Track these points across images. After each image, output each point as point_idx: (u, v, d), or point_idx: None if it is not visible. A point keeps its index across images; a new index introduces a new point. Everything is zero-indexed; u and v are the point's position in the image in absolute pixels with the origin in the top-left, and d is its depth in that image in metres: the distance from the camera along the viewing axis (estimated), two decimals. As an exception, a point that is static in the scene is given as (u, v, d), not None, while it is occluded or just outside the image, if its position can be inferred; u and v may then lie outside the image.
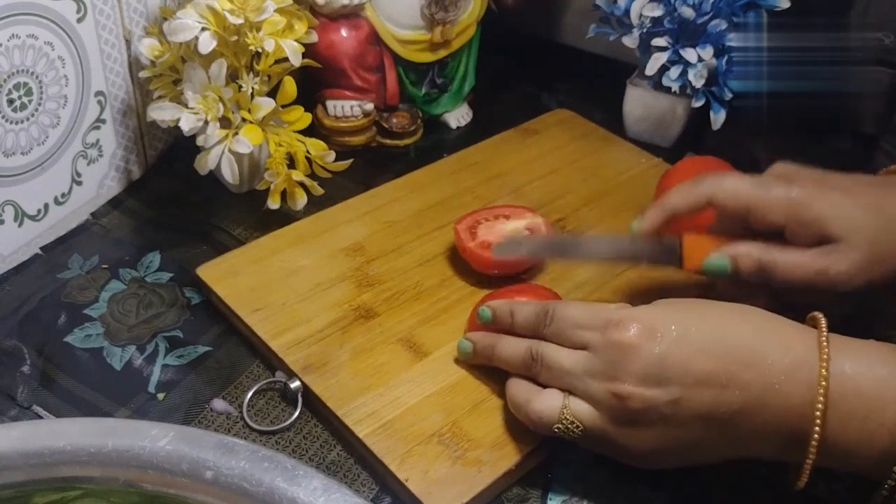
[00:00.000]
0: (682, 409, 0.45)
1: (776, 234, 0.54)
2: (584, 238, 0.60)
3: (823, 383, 0.43)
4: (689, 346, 0.46)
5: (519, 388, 0.51)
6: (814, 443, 0.44)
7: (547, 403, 0.49)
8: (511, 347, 0.52)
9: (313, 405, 0.55)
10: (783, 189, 0.53)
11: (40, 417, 0.54)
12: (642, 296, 0.62)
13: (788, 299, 0.54)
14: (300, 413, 0.54)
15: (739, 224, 0.55)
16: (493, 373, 0.55)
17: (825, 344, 0.44)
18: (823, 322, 0.46)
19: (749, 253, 0.53)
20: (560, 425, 0.48)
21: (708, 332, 0.46)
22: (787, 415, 0.44)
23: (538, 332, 0.51)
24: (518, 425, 0.52)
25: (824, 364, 0.44)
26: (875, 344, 0.46)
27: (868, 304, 0.55)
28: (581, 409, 0.48)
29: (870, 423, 0.43)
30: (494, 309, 0.54)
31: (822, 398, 0.43)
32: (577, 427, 0.48)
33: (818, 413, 0.43)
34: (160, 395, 0.56)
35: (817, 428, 0.43)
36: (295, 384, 0.55)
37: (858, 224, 0.51)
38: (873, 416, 0.43)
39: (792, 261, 0.52)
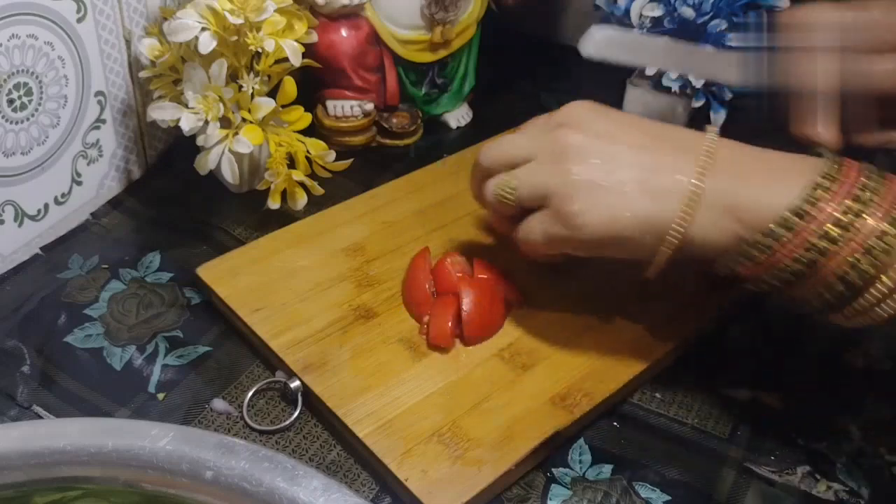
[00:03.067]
0: (615, 141, 0.51)
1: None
2: (656, 43, 0.63)
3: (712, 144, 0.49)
4: (613, 120, 0.53)
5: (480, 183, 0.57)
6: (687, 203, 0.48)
7: (492, 181, 0.55)
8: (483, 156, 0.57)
9: (313, 405, 0.55)
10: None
11: (40, 417, 0.54)
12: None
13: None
14: (300, 413, 0.55)
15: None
16: (493, 372, 0.56)
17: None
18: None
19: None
20: (498, 191, 0.54)
21: (633, 116, 0.54)
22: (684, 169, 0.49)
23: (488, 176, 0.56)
24: (518, 425, 0.52)
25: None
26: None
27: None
28: (517, 173, 0.53)
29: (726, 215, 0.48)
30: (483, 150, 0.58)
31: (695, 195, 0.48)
32: (511, 189, 0.53)
33: (699, 171, 0.49)
34: (160, 395, 0.56)
35: (695, 183, 0.48)
36: (295, 384, 0.55)
37: None
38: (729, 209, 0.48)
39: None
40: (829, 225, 0.46)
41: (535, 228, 0.53)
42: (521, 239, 0.54)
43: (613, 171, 0.50)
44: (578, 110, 0.54)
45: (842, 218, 0.46)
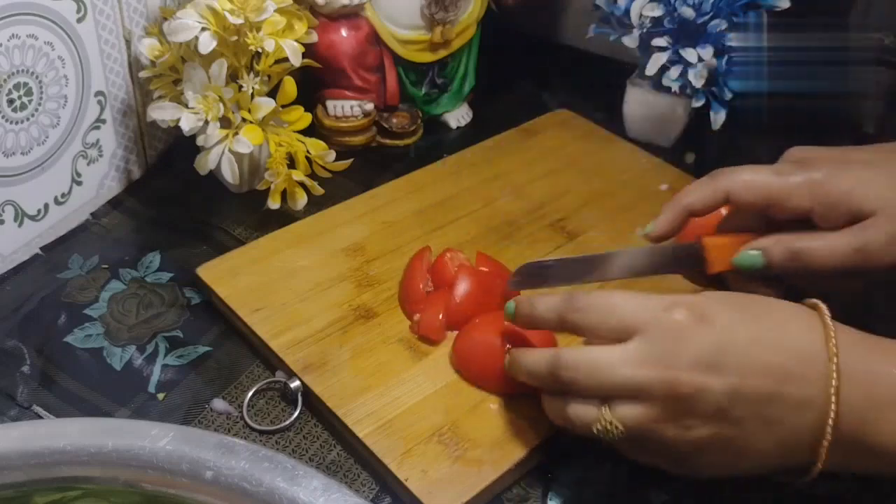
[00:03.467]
0: (739, 400, 0.42)
1: (799, 223, 0.52)
2: (598, 257, 0.55)
3: (834, 381, 0.42)
4: (746, 335, 0.43)
5: (550, 401, 0.48)
6: (823, 451, 0.43)
7: (584, 410, 0.45)
8: (533, 356, 0.48)
9: (313, 405, 0.55)
10: (803, 173, 0.51)
11: (40, 417, 0.54)
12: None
13: (809, 286, 0.52)
14: (300, 413, 0.54)
15: (758, 217, 0.53)
16: (493, 373, 0.56)
17: (833, 338, 0.43)
18: (825, 311, 0.44)
19: (779, 242, 0.51)
20: (599, 427, 0.44)
21: (763, 323, 0.44)
22: (814, 422, 0.43)
23: (565, 323, 0.47)
24: (518, 425, 0.52)
25: (834, 359, 0.42)
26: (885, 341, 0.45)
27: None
28: (625, 410, 0.43)
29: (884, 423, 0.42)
30: (517, 306, 0.50)
31: (833, 397, 0.42)
32: (618, 428, 0.43)
33: (832, 412, 0.42)
34: (160, 395, 0.56)
35: (830, 422, 0.42)
36: (295, 384, 0.55)
37: (888, 194, 0.49)
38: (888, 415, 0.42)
39: (826, 244, 0.50)
40: None
41: (637, 454, 0.47)
42: (618, 447, 0.47)
43: (744, 425, 0.43)
44: (686, 335, 0.43)
45: None
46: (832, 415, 0.42)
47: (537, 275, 0.55)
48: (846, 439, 0.42)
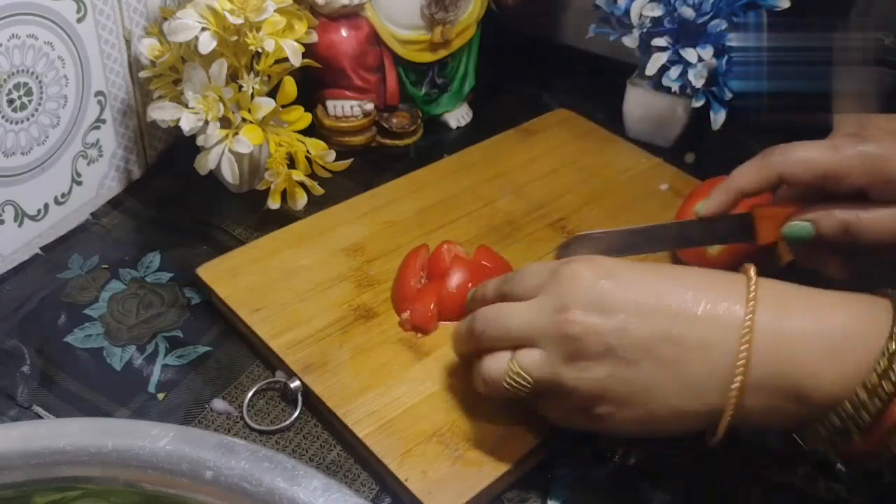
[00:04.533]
0: (628, 337, 0.44)
1: (855, 198, 0.51)
2: (650, 228, 0.56)
3: (747, 333, 0.42)
4: (634, 282, 0.45)
5: (476, 367, 0.50)
6: (732, 395, 0.43)
7: (493, 361, 0.48)
8: (460, 326, 0.52)
9: (313, 405, 0.55)
10: (859, 147, 0.49)
11: (40, 417, 0.54)
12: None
13: (865, 267, 0.53)
14: (300, 413, 0.54)
15: (813, 195, 0.52)
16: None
17: (752, 292, 0.43)
18: (752, 271, 0.45)
19: (830, 213, 0.51)
20: (507, 379, 0.47)
21: (653, 272, 0.46)
22: (720, 363, 0.43)
23: (498, 290, 0.51)
24: (518, 425, 0.52)
25: (750, 314, 0.43)
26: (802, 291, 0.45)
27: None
28: (527, 358, 0.46)
29: (789, 378, 0.42)
30: (473, 294, 0.55)
31: (745, 348, 0.42)
32: (526, 380, 0.46)
33: (741, 363, 0.42)
34: (160, 395, 0.56)
35: (738, 378, 0.42)
36: (295, 384, 0.55)
37: None
38: (794, 370, 0.42)
39: (878, 217, 0.49)
40: None
41: (554, 412, 0.49)
42: (540, 412, 0.49)
43: (640, 365, 0.44)
44: (580, 283, 0.45)
45: None
46: (741, 357, 0.42)
47: (588, 247, 0.56)
48: (759, 382, 0.42)
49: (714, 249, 0.61)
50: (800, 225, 0.52)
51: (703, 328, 0.43)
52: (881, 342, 0.41)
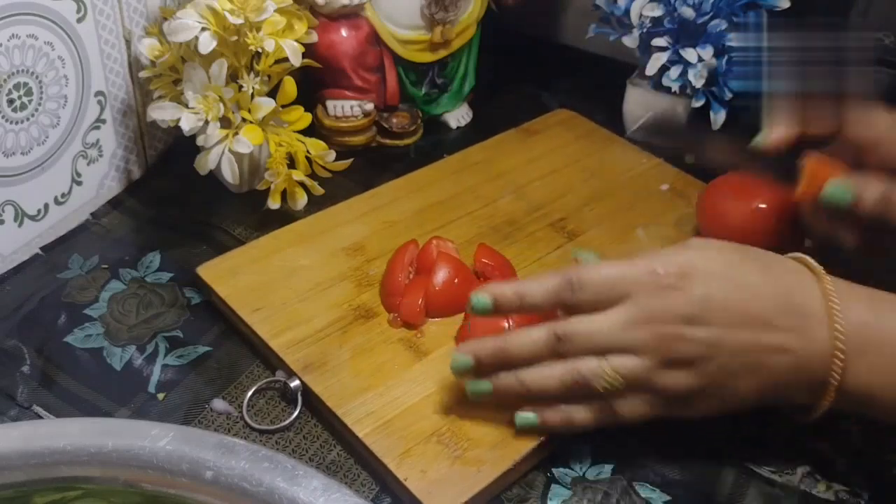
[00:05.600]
0: (723, 348, 0.47)
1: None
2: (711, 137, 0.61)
3: (840, 333, 0.46)
4: (729, 287, 0.47)
5: (548, 370, 0.50)
6: (832, 387, 0.46)
7: (584, 364, 0.48)
8: (527, 338, 0.49)
9: (313, 405, 0.55)
10: None
11: (40, 417, 0.54)
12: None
13: (877, 242, 0.55)
14: (300, 413, 0.54)
15: (862, 159, 0.54)
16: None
17: (832, 293, 0.47)
18: (818, 268, 0.48)
19: (874, 183, 0.52)
20: (602, 379, 0.48)
21: (747, 274, 0.48)
22: (812, 360, 0.46)
23: (563, 305, 0.49)
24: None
25: (837, 315, 0.46)
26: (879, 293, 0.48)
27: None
28: (620, 361, 0.48)
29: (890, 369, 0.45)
30: (495, 295, 0.50)
31: (841, 346, 0.45)
32: (618, 380, 0.48)
33: (838, 361, 0.46)
34: (160, 395, 0.56)
35: (836, 375, 0.46)
36: (295, 384, 0.55)
37: None
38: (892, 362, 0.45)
39: None
40: None
41: (639, 408, 0.49)
42: (621, 416, 0.50)
43: (733, 370, 0.47)
44: (676, 295, 0.47)
45: None
46: (836, 363, 0.46)
47: (665, 131, 0.60)
48: (843, 387, 0.46)
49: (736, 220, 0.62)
50: (843, 187, 0.52)
51: (776, 334, 0.47)
52: None
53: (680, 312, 0.47)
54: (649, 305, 0.47)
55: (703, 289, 0.47)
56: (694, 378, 0.48)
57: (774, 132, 0.56)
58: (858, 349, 0.46)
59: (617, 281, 0.48)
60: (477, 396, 0.51)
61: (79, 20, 0.63)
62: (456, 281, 0.59)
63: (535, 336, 0.49)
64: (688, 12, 0.72)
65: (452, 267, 0.60)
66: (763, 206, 0.61)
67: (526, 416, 0.51)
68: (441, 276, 0.59)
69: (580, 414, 0.50)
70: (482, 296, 0.50)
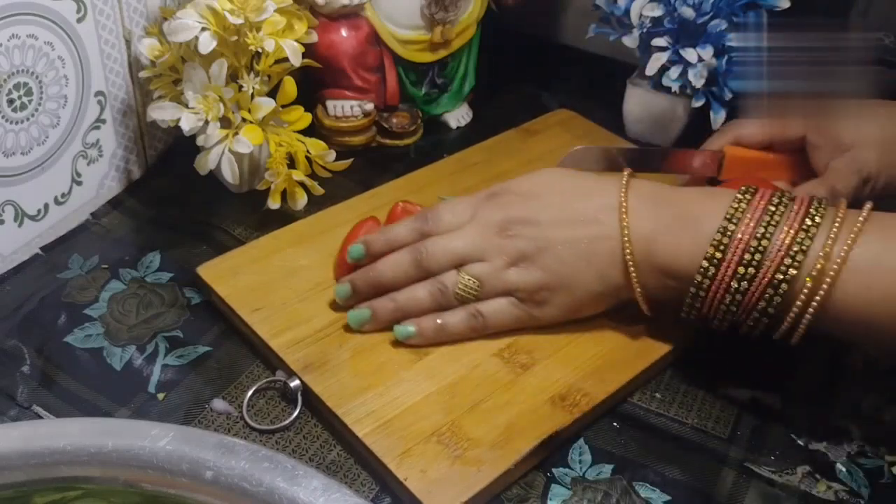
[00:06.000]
0: (553, 240, 0.55)
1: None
2: (628, 153, 0.68)
3: (626, 228, 0.54)
4: (553, 191, 0.57)
5: (415, 290, 0.58)
6: (629, 266, 0.54)
7: (445, 278, 0.57)
8: (393, 259, 0.58)
9: (313, 404, 0.55)
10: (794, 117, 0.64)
11: (40, 417, 0.54)
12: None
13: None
14: (300, 413, 0.55)
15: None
16: (493, 372, 0.56)
17: (624, 189, 0.55)
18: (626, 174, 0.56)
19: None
20: (460, 288, 0.56)
21: (569, 184, 0.57)
22: (615, 253, 0.54)
23: (423, 234, 0.58)
24: (518, 425, 0.52)
25: (624, 212, 0.54)
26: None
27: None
28: (473, 268, 0.56)
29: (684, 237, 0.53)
30: (367, 241, 0.59)
31: (626, 239, 0.54)
32: (474, 285, 0.56)
33: (627, 251, 0.54)
34: (160, 395, 0.56)
35: (627, 249, 0.54)
36: (295, 383, 0.55)
37: (867, 126, 0.62)
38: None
39: (804, 189, 0.62)
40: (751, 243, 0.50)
41: (502, 309, 0.57)
42: (486, 317, 0.57)
43: (566, 260, 0.55)
44: (513, 203, 0.57)
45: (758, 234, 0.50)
46: (626, 243, 0.53)
47: (585, 160, 0.67)
48: (643, 264, 0.54)
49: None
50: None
51: (597, 228, 0.55)
52: (717, 221, 0.51)
53: (512, 216, 0.56)
54: (486, 215, 0.57)
55: (529, 195, 0.56)
56: (537, 272, 0.55)
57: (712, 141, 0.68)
58: (641, 225, 0.54)
59: (465, 206, 0.58)
60: (359, 324, 0.58)
61: (79, 20, 0.63)
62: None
63: (400, 258, 0.58)
64: (688, 12, 0.72)
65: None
66: None
67: (405, 328, 0.57)
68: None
69: (452, 318, 0.57)
70: (356, 245, 0.59)
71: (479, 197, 0.58)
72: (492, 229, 0.56)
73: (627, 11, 0.75)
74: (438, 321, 0.57)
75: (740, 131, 0.67)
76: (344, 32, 0.74)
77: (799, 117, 0.63)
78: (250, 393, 0.56)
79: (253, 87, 0.65)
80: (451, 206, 0.59)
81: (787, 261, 0.49)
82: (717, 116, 0.74)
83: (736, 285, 0.51)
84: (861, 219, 0.49)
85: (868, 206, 0.50)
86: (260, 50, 0.64)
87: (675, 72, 0.74)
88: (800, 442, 0.55)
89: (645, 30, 0.75)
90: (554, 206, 0.56)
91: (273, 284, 0.61)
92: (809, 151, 0.64)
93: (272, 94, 0.66)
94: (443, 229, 0.57)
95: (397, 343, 0.58)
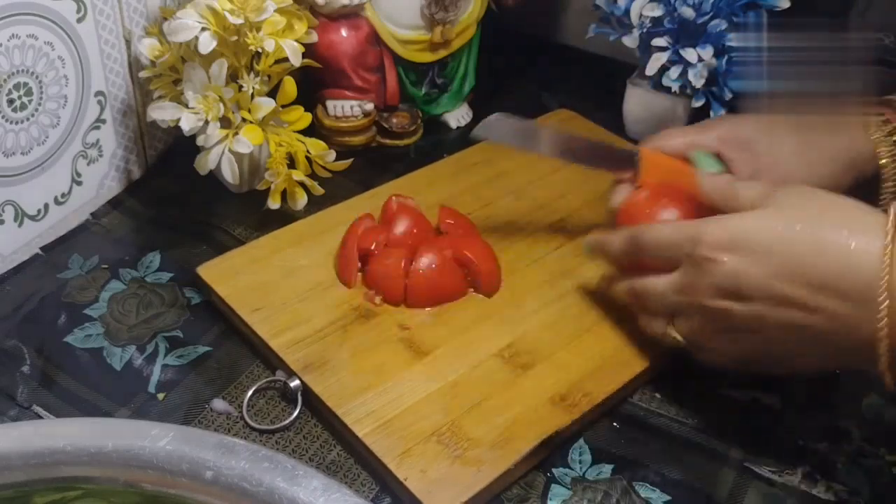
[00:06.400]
0: (768, 323, 0.48)
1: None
2: (548, 133, 0.64)
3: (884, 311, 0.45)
4: (770, 266, 0.47)
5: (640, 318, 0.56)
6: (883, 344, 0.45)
7: (655, 324, 0.54)
8: (619, 288, 0.57)
9: (313, 404, 0.55)
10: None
11: (40, 417, 0.54)
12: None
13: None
14: (300, 413, 0.54)
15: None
16: (493, 372, 0.56)
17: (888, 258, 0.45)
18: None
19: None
20: (667, 340, 0.54)
21: (794, 252, 0.47)
22: (861, 335, 0.46)
23: (632, 263, 0.55)
24: (518, 425, 0.52)
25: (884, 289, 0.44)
26: None
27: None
28: (684, 327, 0.52)
29: None
30: (591, 245, 0.59)
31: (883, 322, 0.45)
32: (677, 339, 0.53)
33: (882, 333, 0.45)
34: (160, 395, 0.56)
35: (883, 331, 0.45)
36: (295, 383, 0.55)
37: (743, 149, 0.60)
38: None
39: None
40: None
41: (717, 355, 0.53)
42: (701, 357, 0.54)
43: (786, 339, 0.49)
44: (717, 268, 0.49)
45: None
46: (882, 328, 0.45)
47: (496, 129, 0.63)
48: None
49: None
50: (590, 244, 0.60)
51: (841, 304, 0.46)
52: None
53: (711, 284, 0.49)
54: (689, 275, 0.51)
55: (740, 265, 0.48)
56: (745, 344, 0.50)
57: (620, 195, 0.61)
58: None
59: (669, 246, 0.52)
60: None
61: (79, 20, 0.63)
62: (415, 231, 0.63)
63: (622, 287, 0.56)
64: (688, 12, 0.72)
65: (411, 217, 0.64)
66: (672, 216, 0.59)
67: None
68: (401, 225, 0.63)
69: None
70: (590, 241, 0.59)
71: (681, 233, 0.52)
72: (694, 293, 0.51)
73: (627, 11, 0.75)
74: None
75: (663, 140, 0.62)
76: (344, 32, 0.73)
77: (793, 115, 0.61)
78: (250, 393, 0.56)
79: (253, 87, 0.65)
80: (656, 239, 0.53)
81: None
82: (717, 116, 0.74)
83: None
84: None
85: None
86: (260, 50, 0.64)
87: (675, 72, 0.74)
88: (800, 442, 0.55)
89: (645, 30, 0.75)
90: (769, 281, 0.48)
91: (273, 284, 0.61)
92: (728, 165, 0.60)
93: (272, 94, 0.66)
94: (652, 263, 0.54)
95: (397, 343, 0.58)
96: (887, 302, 0.44)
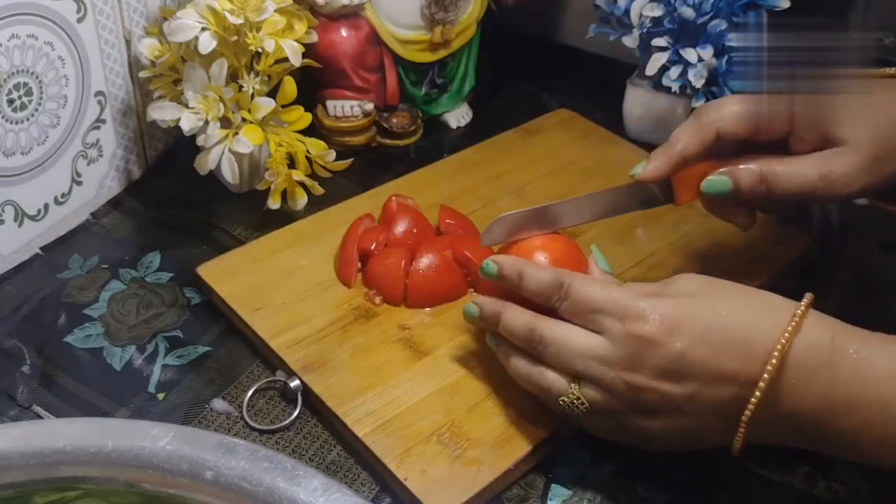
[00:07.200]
0: (698, 402, 0.45)
1: (775, 150, 0.54)
2: (568, 202, 0.56)
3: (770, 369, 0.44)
4: (709, 344, 0.45)
5: (521, 362, 0.51)
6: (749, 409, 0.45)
7: (555, 380, 0.49)
8: (514, 319, 0.50)
9: (313, 404, 0.55)
10: (786, 97, 0.53)
11: (40, 417, 0.54)
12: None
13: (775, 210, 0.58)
14: (300, 413, 0.55)
15: (742, 146, 0.55)
16: (492, 372, 0.56)
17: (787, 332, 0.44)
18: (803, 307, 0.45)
19: (748, 166, 0.53)
20: (566, 398, 0.48)
21: (730, 329, 0.45)
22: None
23: (549, 305, 0.49)
24: (518, 425, 0.52)
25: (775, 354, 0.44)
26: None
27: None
28: (592, 394, 0.48)
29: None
30: (501, 267, 0.51)
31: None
32: (583, 405, 0.48)
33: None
34: (160, 395, 0.56)
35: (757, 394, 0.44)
36: (295, 383, 0.55)
37: (862, 125, 0.52)
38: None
39: (792, 168, 0.52)
40: None
41: (603, 427, 0.50)
42: (586, 427, 0.51)
43: (703, 418, 0.46)
44: (649, 349, 0.46)
45: None
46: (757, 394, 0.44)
47: (512, 227, 0.55)
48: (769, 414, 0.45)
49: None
50: (718, 179, 0.53)
51: (739, 373, 0.44)
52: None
53: (656, 366, 0.45)
54: (626, 352, 0.46)
55: (682, 345, 0.45)
56: (664, 424, 0.47)
57: (651, 166, 0.54)
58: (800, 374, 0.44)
59: (601, 308, 0.47)
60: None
61: (79, 20, 0.63)
62: (415, 230, 0.63)
63: (520, 321, 0.50)
64: (688, 12, 0.72)
65: (411, 217, 0.64)
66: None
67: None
68: (401, 225, 0.63)
69: (523, 369, 0.51)
70: (490, 262, 0.52)
71: (619, 304, 0.47)
72: (624, 369, 0.46)
73: (627, 11, 0.75)
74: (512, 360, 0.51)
75: (680, 149, 0.54)
76: (344, 32, 0.74)
77: (785, 107, 0.55)
78: (250, 393, 0.56)
79: (253, 87, 0.65)
80: (589, 296, 0.48)
81: None
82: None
83: None
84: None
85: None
86: (260, 50, 0.64)
87: (675, 72, 0.74)
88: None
89: (645, 30, 0.75)
90: (709, 362, 0.45)
91: (273, 284, 0.61)
92: (793, 144, 0.55)
93: (272, 94, 0.66)
94: (569, 316, 0.49)
95: (397, 343, 0.58)
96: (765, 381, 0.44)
